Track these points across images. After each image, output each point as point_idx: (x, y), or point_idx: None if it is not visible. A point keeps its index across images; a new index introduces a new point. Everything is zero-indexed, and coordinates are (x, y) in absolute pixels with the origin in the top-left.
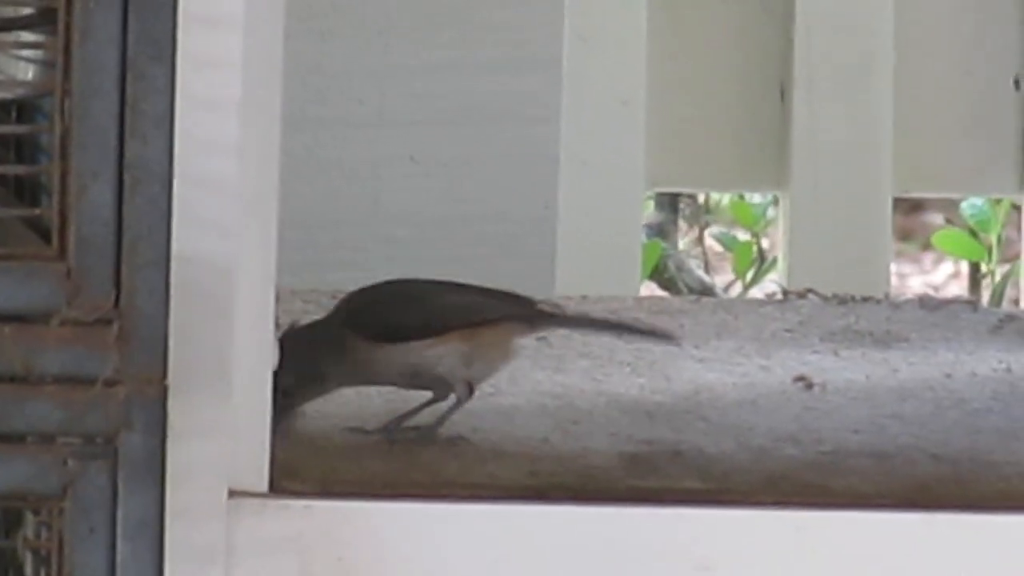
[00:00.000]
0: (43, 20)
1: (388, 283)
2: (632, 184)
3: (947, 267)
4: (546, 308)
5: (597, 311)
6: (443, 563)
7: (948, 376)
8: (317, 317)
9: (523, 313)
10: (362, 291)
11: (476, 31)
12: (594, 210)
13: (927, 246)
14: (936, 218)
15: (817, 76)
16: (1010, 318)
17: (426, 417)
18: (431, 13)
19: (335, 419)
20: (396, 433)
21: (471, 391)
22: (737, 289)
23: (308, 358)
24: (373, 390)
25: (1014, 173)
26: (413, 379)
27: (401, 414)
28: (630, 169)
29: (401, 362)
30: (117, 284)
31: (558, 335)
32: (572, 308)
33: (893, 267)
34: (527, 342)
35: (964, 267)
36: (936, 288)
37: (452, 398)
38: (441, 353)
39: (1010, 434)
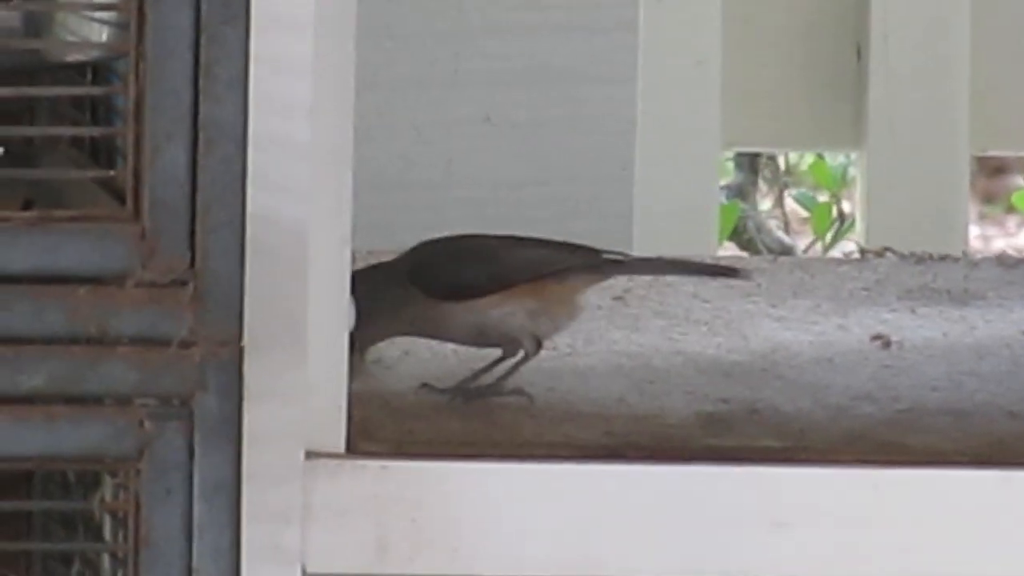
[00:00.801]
0: None
1: (451, 238)
2: (708, 144)
3: None
4: (612, 257)
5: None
6: (518, 523)
7: None
8: None
9: (588, 262)
10: (426, 245)
11: None
12: (671, 171)
13: (1011, 208)
14: (1020, 179)
15: (893, 34)
16: None
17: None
18: None
19: (411, 379)
20: (467, 392)
21: (539, 346)
22: (817, 250)
23: (370, 302)
24: (448, 349)
25: None
26: (479, 337)
27: (472, 373)
28: (706, 129)
29: (466, 321)
30: (192, 246)
31: (634, 295)
32: None
33: (977, 229)
34: (602, 302)
35: None
36: (1020, 251)
37: (520, 353)
38: (507, 311)
39: None
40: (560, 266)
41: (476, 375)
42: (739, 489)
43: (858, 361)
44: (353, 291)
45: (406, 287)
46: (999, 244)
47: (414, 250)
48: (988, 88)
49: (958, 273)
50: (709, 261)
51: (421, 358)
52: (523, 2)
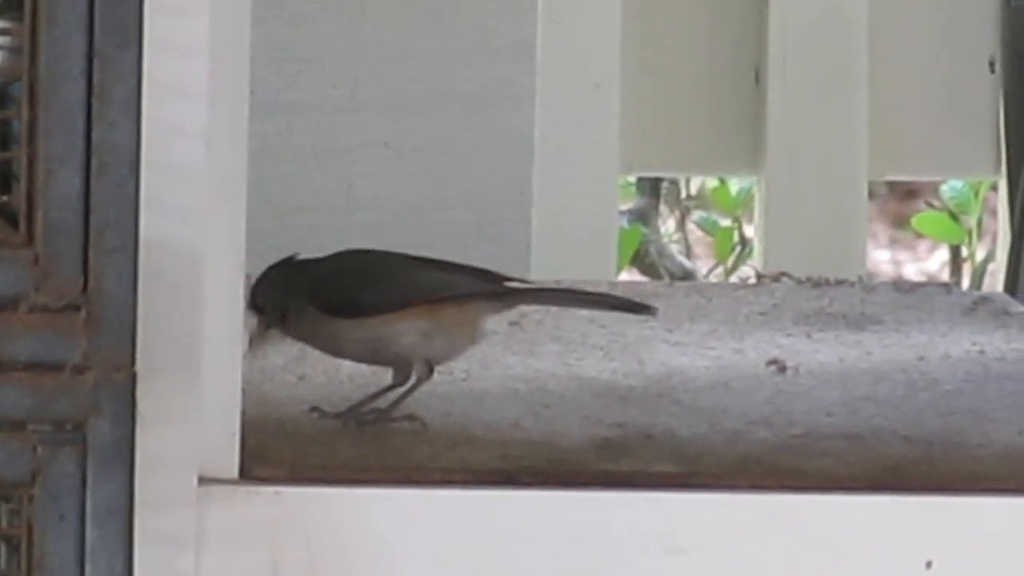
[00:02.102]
0: (10, 6)
1: (351, 253)
2: (607, 168)
3: (942, 254)
4: (516, 285)
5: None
6: (413, 548)
7: (921, 358)
8: None
9: (489, 289)
10: (325, 259)
11: (450, 16)
12: (569, 194)
13: (922, 233)
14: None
15: (792, 59)
16: (984, 300)
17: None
18: None
19: (305, 404)
20: (359, 417)
21: (431, 370)
22: (719, 274)
23: (278, 296)
24: (344, 374)
25: (990, 155)
26: (373, 355)
27: (363, 399)
28: (604, 153)
29: (359, 337)
30: (85, 270)
31: (531, 320)
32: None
33: (888, 254)
34: (498, 327)
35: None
36: (930, 276)
37: (413, 378)
38: (399, 330)
39: (982, 415)
40: (458, 290)
41: (368, 400)
42: (634, 514)
43: (754, 386)
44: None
45: (302, 302)
46: (910, 268)
47: (314, 264)
48: (887, 113)
49: (854, 298)
50: (614, 293)
51: (315, 383)
52: (422, 27)
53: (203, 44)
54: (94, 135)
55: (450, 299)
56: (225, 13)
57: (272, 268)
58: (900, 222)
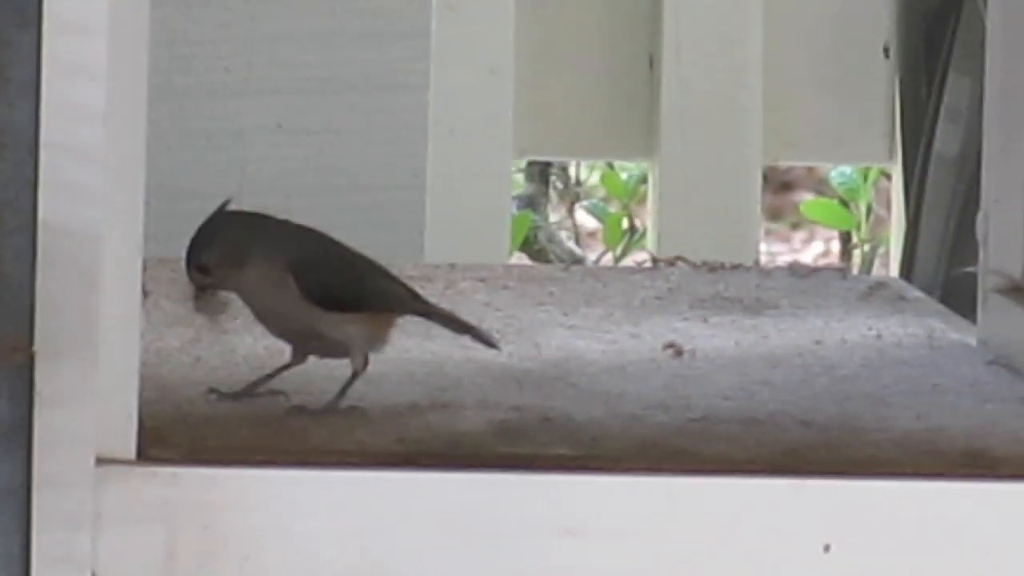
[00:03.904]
0: None
1: (328, 243)
2: (501, 153)
3: (817, 246)
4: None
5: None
6: (310, 530)
7: (818, 343)
8: (182, 288)
9: (416, 303)
10: (307, 238)
11: None
12: (463, 179)
13: (797, 225)
14: (806, 196)
15: (686, 44)
16: (880, 285)
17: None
18: None
19: (201, 386)
20: (249, 395)
21: (367, 363)
22: (608, 261)
23: (236, 249)
24: (239, 356)
25: (883, 142)
26: (316, 339)
27: (257, 379)
28: (498, 138)
29: (320, 326)
30: None
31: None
32: (441, 277)
33: (763, 246)
34: None
35: (834, 246)
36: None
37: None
38: (357, 330)
39: (879, 400)
40: (403, 303)
41: (262, 380)
42: (531, 497)
43: (651, 370)
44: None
45: (284, 277)
46: (784, 260)
47: (294, 237)
48: (780, 99)
49: (750, 282)
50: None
51: (211, 365)
52: (316, 10)
53: (102, 25)
54: None
55: (396, 310)
56: None
57: (213, 223)
58: (776, 214)
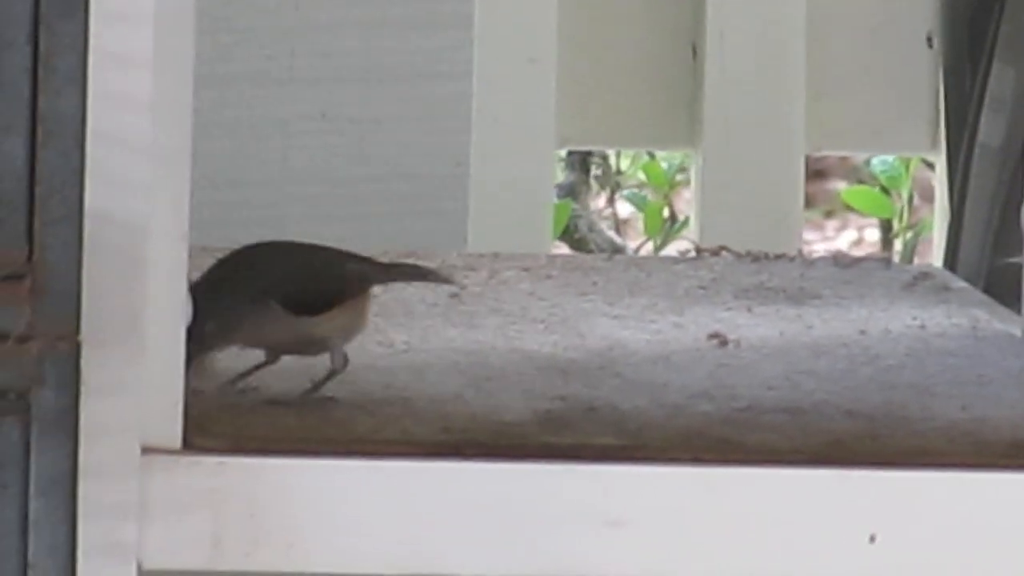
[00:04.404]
0: None
1: (285, 247)
2: (543, 141)
3: (850, 234)
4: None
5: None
6: (354, 520)
7: (862, 333)
8: None
9: (383, 276)
10: (266, 254)
11: None
12: (506, 168)
13: (830, 213)
14: (840, 184)
15: (729, 32)
16: (923, 275)
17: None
18: None
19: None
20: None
21: (346, 360)
22: (647, 251)
23: (225, 311)
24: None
25: (927, 131)
26: (305, 347)
27: (241, 373)
28: (541, 127)
29: (305, 331)
30: (30, 240)
31: (470, 292)
32: (485, 266)
33: None
34: (438, 299)
35: (868, 234)
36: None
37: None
38: (336, 325)
39: (924, 390)
40: (377, 281)
41: (240, 377)
42: (575, 487)
43: (695, 359)
44: (210, 299)
45: (264, 300)
46: (818, 248)
47: (256, 261)
48: (823, 88)
49: (794, 272)
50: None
51: (256, 354)
52: None
53: (148, 13)
54: (40, 104)
55: (367, 290)
56: None
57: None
58: (809, 201)
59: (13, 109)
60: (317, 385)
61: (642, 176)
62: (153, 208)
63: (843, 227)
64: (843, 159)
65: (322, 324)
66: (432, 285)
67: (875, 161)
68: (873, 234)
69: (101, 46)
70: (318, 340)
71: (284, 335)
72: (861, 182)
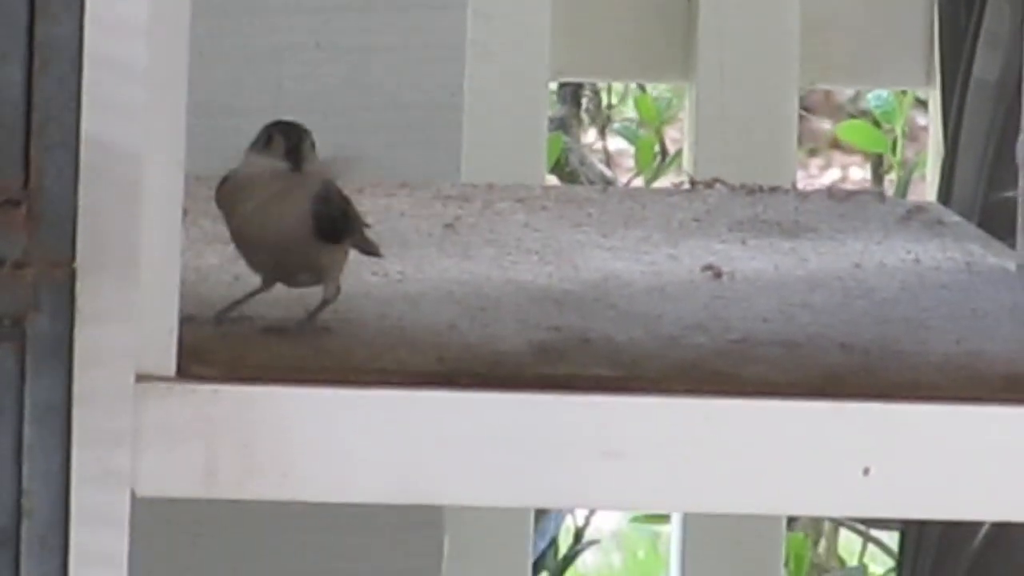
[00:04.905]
0: None
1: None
2: (537, 73)
3: (834, 172)
4: None
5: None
6: (349, 449)
7: (857, 266)
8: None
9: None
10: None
11: None
12: (500, 99)
13: (814, 151)
14: (824, 123)
15: None
16: (918, 209)
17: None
18: None
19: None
20: (222, 318)
21: (339, 291)
22: (638, 184)
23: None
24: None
25: (922, 66)
26: (302, 271)
27: (235, 300)
28: (535, 58)
29: (318, 258)
30: (26, 166)
31: (464, 223)
32: (479, 197)
33: None
34: (432, 229)
35: (852, 173)
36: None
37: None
38: (340, 258)
39: (918, 324)
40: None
41: (233, 305)
42: (571, 417)
43: (690, 291)
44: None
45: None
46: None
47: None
48: (819, 21)
49: (788, 205)
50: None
51: (251, 282)
52: None
53: None
54: (36, 30)
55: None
56: None
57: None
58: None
59: (10, 35)
60: (312, 314)
61: (631, 112)
62: (149, 135)
63: (827, 166)
64: (827, 96)
65: (333, 253)
66: (426, 215)
67: (870, 96)
68: (857, 173)
69: None
70: (322, 267)
71: (303, 254)
72: (853, 117)
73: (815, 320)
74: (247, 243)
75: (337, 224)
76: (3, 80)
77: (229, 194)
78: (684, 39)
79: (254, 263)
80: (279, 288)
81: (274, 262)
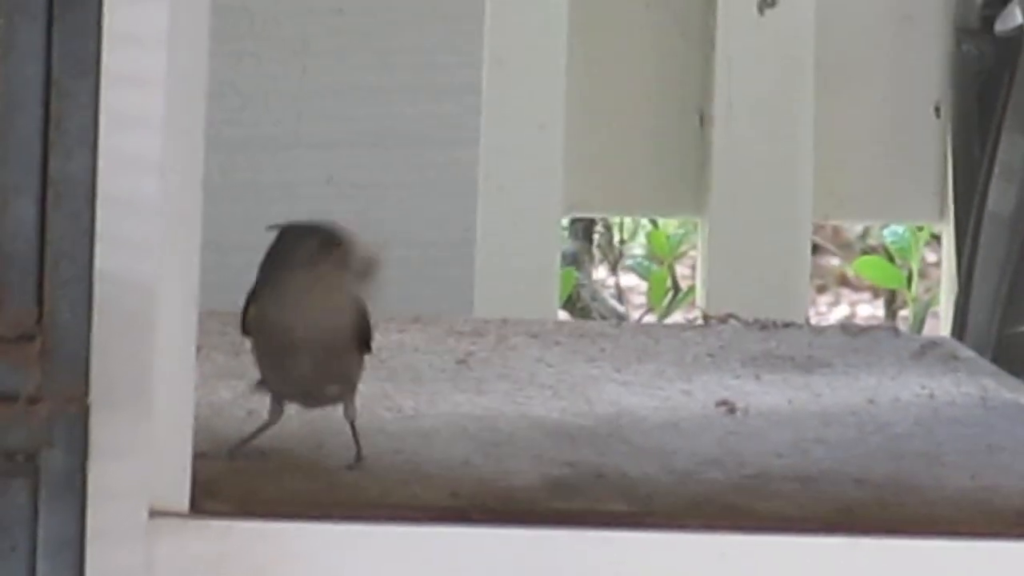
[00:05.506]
0: None
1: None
2: (550, 208)
3: (843, 309)
4: None
5: (516, 342)
6: None
7: (871, 401)
8: (232, 340)
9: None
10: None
11: (395, 54)
12: (512, 234)
13: (823, 288)
14: (832, 260)
15: (737, 102)
16: (932, 344)
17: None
18: (350, 35)
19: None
20: (239, 454)
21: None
22: (651, 320)
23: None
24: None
25: (935, 201)
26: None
27: (246, 436)
28: (548, 194)
29: (352, 370)
30: (40, 301)
31: (478, 358)
32: (492, 332)
33: None
34: (445, 364)
35: (860, 310)
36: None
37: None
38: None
39: (933, 459)
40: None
41: (247, 439)
42: (585, 553)
43: (704, 426)
44: None
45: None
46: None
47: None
48: (832, 156)
49: (802, 340)
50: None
51: (264, 418)
52: (366, 63)
53: (160, 76)
54: (50, 166)
55: None
56: (182, 45)
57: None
58: None
59: (24, 170)
60: (356, 438)
61: (640, 249)
62: (163, 271)
63: (836, 302)
64: (836, 232)
65: (362, 362)
66: (439, 350)
67: (886, 232)
68: (865, 310)
69: (112, 108)
70: (351, 375)
71: (341, 359)
72: (865, 253)
73: (829, 455)
74: (291, 348)
75: (369, 329)
76: (17, 215)
77: (267, 304)
78: (697, 174)
79: (285, 378)
80: (291, 422)
81: (312, 369)
